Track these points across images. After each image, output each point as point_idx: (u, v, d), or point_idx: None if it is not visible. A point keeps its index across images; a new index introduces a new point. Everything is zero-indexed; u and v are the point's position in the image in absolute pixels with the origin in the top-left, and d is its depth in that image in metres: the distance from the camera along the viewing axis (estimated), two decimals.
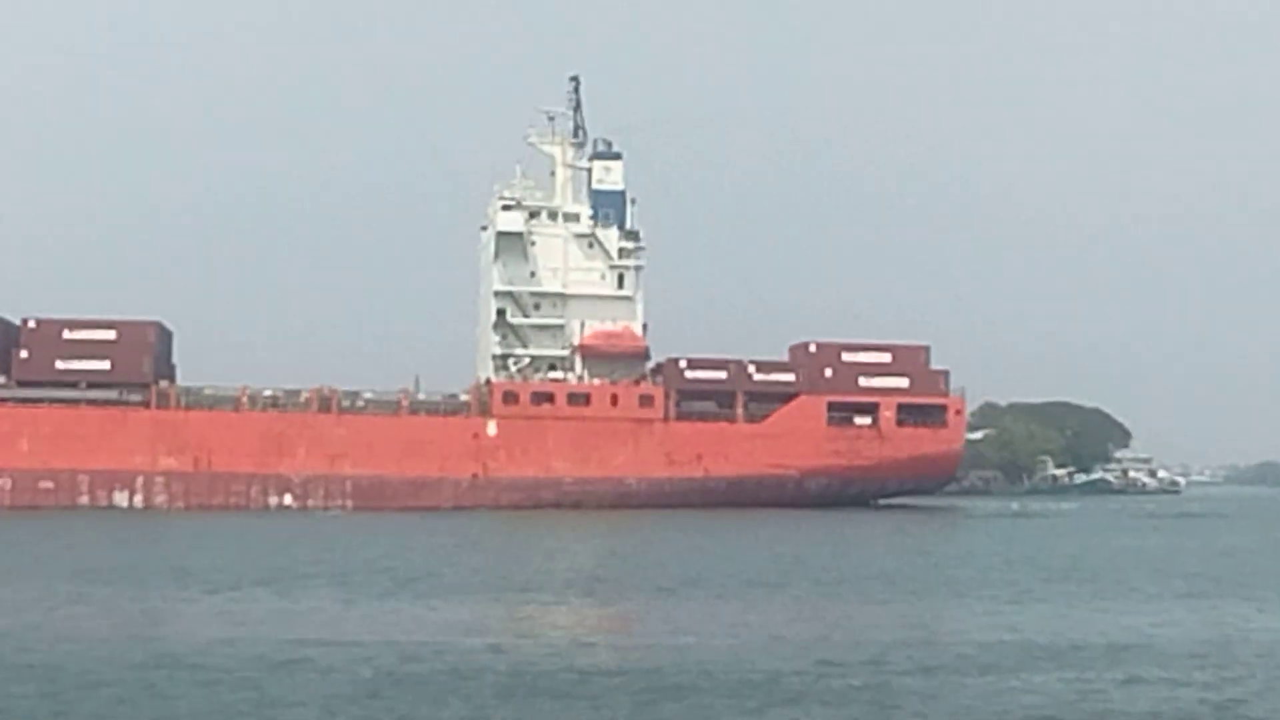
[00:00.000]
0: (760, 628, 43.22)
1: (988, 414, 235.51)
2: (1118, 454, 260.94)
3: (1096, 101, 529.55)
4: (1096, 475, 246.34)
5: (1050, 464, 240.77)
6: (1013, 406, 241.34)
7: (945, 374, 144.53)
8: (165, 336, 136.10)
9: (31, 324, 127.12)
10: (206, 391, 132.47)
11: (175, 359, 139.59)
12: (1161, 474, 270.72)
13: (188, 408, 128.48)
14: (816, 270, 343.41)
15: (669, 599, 53.24)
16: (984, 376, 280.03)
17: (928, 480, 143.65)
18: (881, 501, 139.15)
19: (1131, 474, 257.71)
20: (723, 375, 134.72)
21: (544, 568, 70.03)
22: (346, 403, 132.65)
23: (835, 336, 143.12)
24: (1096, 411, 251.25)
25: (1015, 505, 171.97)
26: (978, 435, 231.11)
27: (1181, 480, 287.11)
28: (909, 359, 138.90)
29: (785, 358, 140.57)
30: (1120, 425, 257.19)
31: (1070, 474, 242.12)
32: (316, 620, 44.54)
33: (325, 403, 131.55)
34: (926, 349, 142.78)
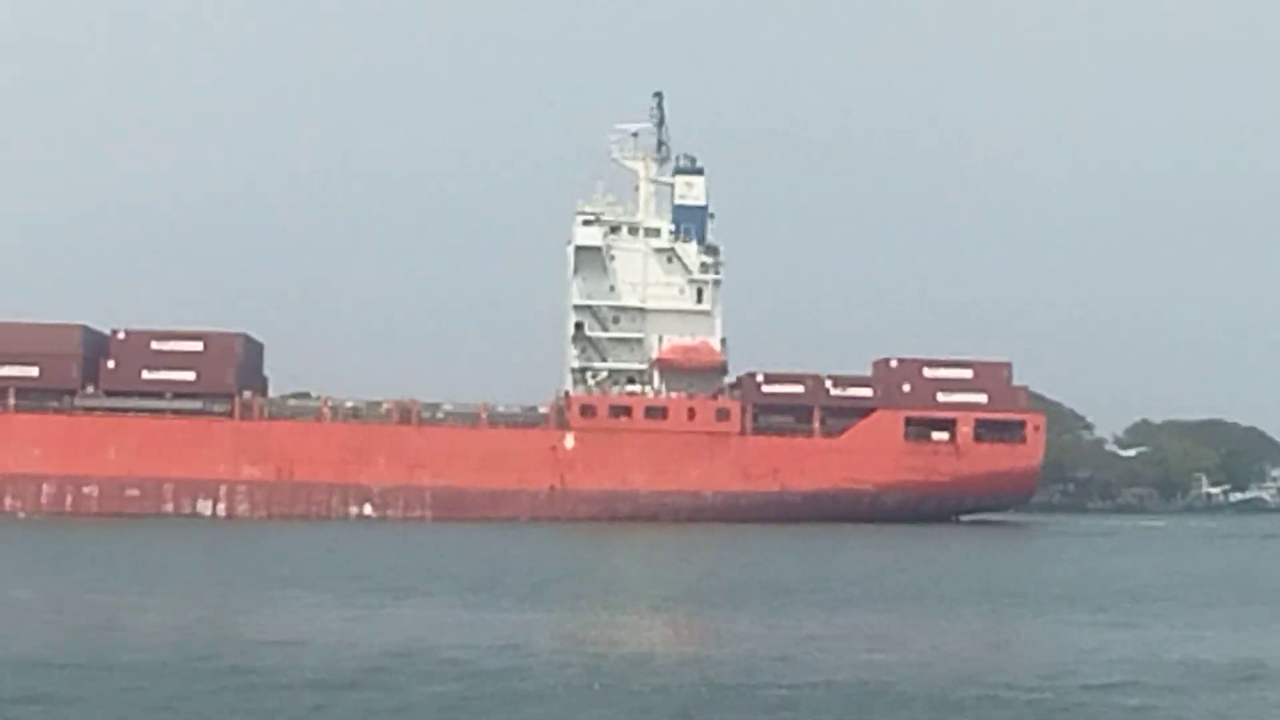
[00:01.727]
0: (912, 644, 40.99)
1: (1141, 431, 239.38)
2: (1274, 472, 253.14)
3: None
4: (1251, 494, 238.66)
5: (1205, 482, 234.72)
6: (1167, 424, 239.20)
7: (1024, 390, 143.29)
8: (254, 348, 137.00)
9: (120, 335, 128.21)
10: (289, 402, 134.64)
11: (267, 370, 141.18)
12: None
13: (271, 418, 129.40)
14: (910, 283, 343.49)
15: (786, 613, 50.94)
16: (1140, 394, 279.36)
17: (1005, 496, 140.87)
18: (964, 518, 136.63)
19: None
20: (800, 390, 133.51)
21: (638, 580, 69.07)
22: (426, 414, 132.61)
23: (940, 353, 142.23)
24: (1252, 430, 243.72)
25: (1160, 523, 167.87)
26: (1131, 453, 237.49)
27: None
28: (989, 375, 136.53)
29: (868, 373, 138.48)
30: (1276, 443, 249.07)
31: (1225, 492, 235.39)
32: (408, 628, 43.43)
33: (406, 414, 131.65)
34: (1008, 365, 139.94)
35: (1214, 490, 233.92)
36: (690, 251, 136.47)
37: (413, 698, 29.38)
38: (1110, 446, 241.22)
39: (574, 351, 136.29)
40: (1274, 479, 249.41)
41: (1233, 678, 33.64)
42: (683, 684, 32.27)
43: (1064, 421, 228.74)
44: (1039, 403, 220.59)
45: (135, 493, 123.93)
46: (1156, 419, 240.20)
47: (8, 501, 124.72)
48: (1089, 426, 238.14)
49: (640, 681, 32.44)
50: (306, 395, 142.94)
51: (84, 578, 62.92)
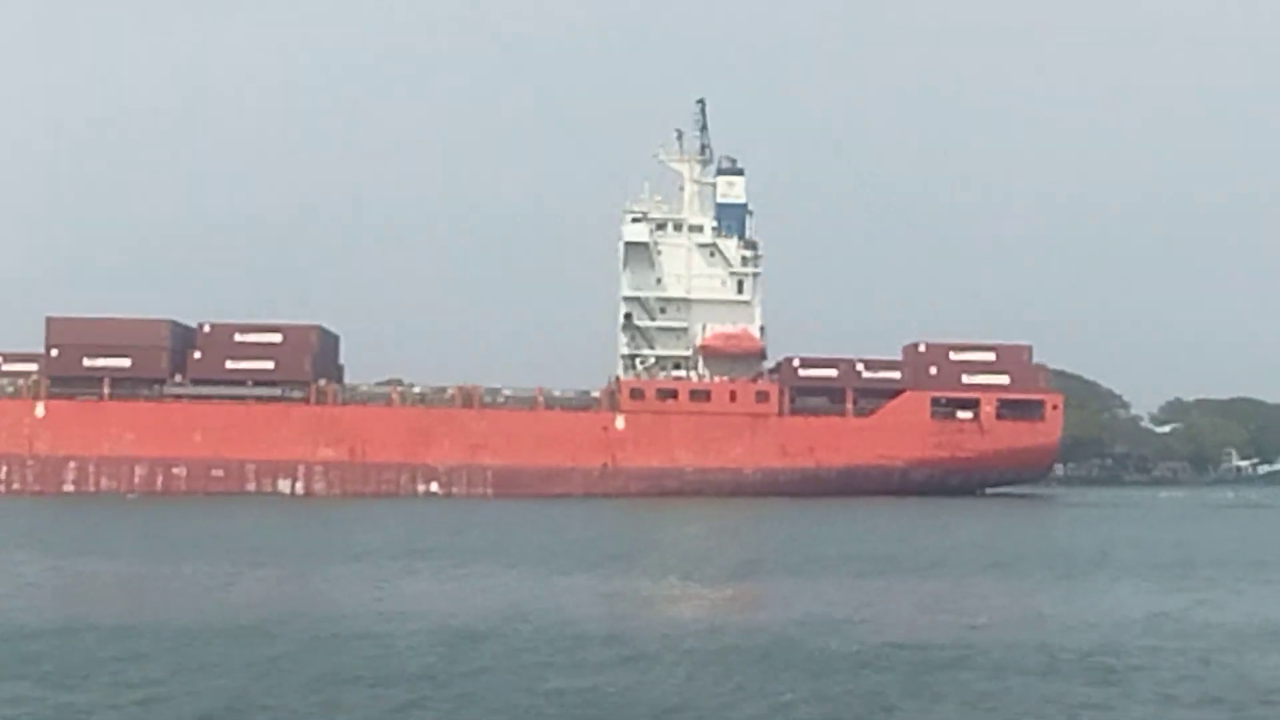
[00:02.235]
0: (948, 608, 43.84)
1: (1175, 409, 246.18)
2: None
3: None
4: (1278, 466, 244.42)
5: (1235, 456, 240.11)
6: (1199, 402, 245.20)
7: (1045, 371, 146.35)
8: (329, 339, 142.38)
9: (206, 328, 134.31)
10: (361, 389, 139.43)
11: (343, 359, 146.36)
12: None
13: (344, 403, 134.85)
14: (941, 272, 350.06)
15: (840, 582, 53.89)
16: (1173, 374, 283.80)
17: (1026, 471, 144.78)
18: (989, 491, 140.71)
19: None
20: (833, 373, 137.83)
21: (698, 553, 71.11)
22: (488, 399, 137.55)
23: (973, 338, 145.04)
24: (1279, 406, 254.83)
25: (1232, 494, 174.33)
26: (1165, 429, 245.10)
27: None
28: (1011, 357, 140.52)
29: (898, 357, 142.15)
30: None
31: (1254, 465, 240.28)
32: (490, 594, 46.62)
33: (468, 398, 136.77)
34: (1029, 348, 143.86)
35: (1243, 463, 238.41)
36: (731, 246, 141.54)
37: (521, 658, 31.21)
38: (1145, 423, 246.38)
39: (624, 339, 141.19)
40: None
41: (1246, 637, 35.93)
42: (755, 644, 34.95)
43: (1101, 400, 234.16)
44: (1077, 384, 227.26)
45: (220, 473, 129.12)
46: (1189, 397, 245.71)
47: (104, 482, 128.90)
48: (1125, 405, 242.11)
49: (718, 642, 35.29)
50: (398, 382, 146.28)
51: (184, 551, 65.82)
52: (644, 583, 53.34)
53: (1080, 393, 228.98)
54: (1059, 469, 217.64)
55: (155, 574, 55.04)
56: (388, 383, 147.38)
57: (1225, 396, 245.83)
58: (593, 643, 34.70)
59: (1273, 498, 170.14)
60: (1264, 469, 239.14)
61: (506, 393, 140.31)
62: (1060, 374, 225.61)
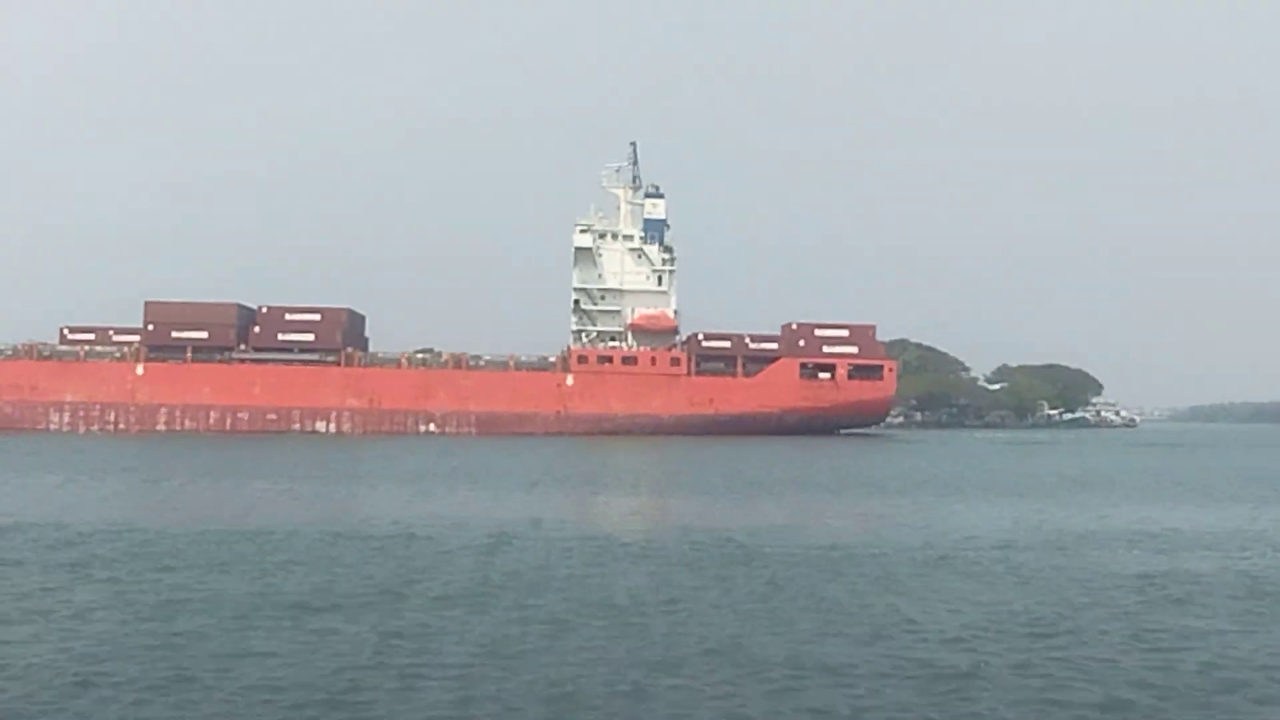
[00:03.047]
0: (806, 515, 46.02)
1: (1002, 372, 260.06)
2: (1093, 400, 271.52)
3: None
4: (1078, 414, 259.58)
5: (1046, 407, 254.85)
6: (1020, 367, 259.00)
7: (884, 344, 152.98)
8: (356, 318, 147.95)
9: (264, 310, 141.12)
10: (378, 355, 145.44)
11: (368, 333, 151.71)
12: (1123, 413, 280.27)
13: (366, 366, 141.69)
14: (807, 268, 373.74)
15: (726, 496, 56.84)
16: (1003, 346, 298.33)
17: (869, 417, 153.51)
18: (843, 431, 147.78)
19: (1103, 414, 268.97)
20: (728, 344, 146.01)
21: (635, 476, 74.57)
22: (472, 362, 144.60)
23: (837, 319, 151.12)
24: (1079, 371, 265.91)
25: (986, 435, 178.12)
26: (995, 387, 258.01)
27: (1137, 418, 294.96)
28: (860, 333, 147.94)
29: (777, 332, 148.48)
30: (1095, 380, 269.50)
31: (1060, 414, 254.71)
32: (454, 504, 48.90)
33: (458, 362, 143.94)
34: (873, 326, 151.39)
35: (1052, 413, 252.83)
36: (654, 251, 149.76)
37: (504, 555, 32.00)
38: (981, 382, 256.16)
39: (573, 319, 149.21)
40: (1093, 404, 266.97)
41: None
42: (679, 542, 36.32)
43: (949, 365, 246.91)
44: (932, 354, 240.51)
45: (273, 417, 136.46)
46: (1013, 363, 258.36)
47: (186, 424, 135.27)
48: (967, 369, 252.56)
49: (648, 542, 36.41)
50: (429, 350, 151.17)
51: (255, 473, 69.35)
52: (603, 496, 57.57)
53: (934, 361, 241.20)
54: (916, 415, 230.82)
55: (238, 490, 57.14)
56: (418, 351, 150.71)
57: (1039, 363, 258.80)
58: (582, 540, 36.38)
59: (1057, 437, 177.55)
60: (1067, 416, 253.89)
61: (486, 358, 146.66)
62: (919, 346, 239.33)
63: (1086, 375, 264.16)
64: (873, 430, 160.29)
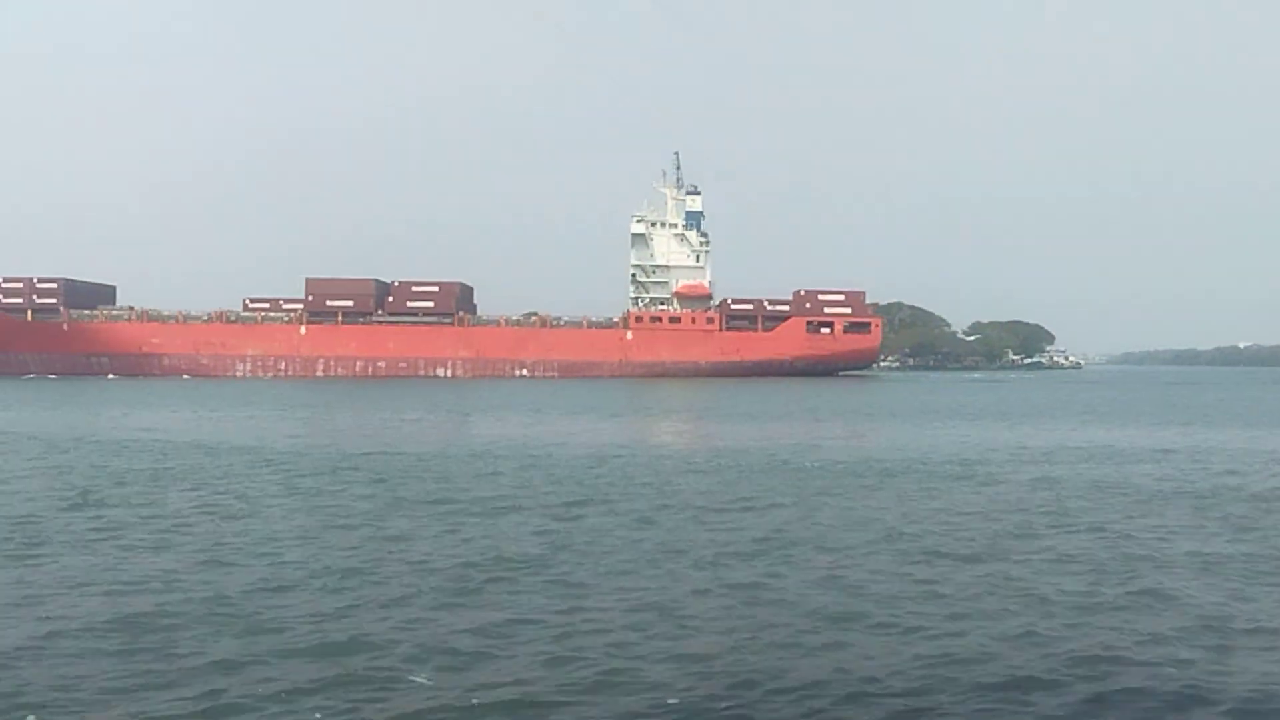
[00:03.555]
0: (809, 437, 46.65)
1: (976, 327, 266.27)
2: (1047, 348, 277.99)
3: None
4: (1035, 359, 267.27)
5: (1010, 354, 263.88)
6: (990, 323, 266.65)
7: (874, 306, 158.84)
8: (467, 290, 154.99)
9: (396, 283, 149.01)
10: (482, 317, 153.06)
11: (477, 299, 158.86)
12: (1070, 358, 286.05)
13: (473, 325, 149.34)
14: (811, 247, 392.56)
15: (751, 421, 58.20)
16: (978, 305, 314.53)
17: (860, 363, 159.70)
18: (841, 373, 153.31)
19: (1054, 359, 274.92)
20: (750, 306, 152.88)
21: (677, 405, 78.09)
22: (555, 322, 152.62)
23: (838, 286, 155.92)
24: (1036, 325, 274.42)
25: (979, 375, 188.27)
26: (970, 338, 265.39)
27: (1082, 362, 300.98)
28: (853, 297, 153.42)
29: (789, 297, 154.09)
30: (1049, 332, 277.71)
31: (1021, 359, 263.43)
32: (553, 430, 49.76)
33: (544, 321, 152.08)
34: (864, 292, 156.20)
35: (1015, 358, 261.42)
36: (693, 236, 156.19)
37: (567, 465, 33.66)
38: (960, 335, 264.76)
39: (631, 289, 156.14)
40: (1046, 351, 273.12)
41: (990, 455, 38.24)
42: (705, 453, 38.40)
43: (934, 321, 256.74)
44: (920, 312, 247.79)
45: (403, 365, 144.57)
46: (985, 319, 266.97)
47: (338, 371, 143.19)
48: (948, 324, 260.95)
49: (686, 454, 38.45)
50: (534, 313, 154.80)
51: (400, 407, 71.62)
52: (672, 423, 59.40)
53: (922, 318, 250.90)
54: (909, 361, 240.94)
55: (396, 419, 58.71)
56: (525, 315, 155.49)
57: (1005, 320, 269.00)
58: (661, 457, 37.38)
59: (1021, 377, 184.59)
60: (1026, 361, 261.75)
61: (565, 319, 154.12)
62: (912, 307, 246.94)
63: (1042, 329, 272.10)
64: (865, 373, 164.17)
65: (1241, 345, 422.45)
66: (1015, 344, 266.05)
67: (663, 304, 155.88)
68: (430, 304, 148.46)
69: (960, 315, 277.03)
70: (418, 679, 12.27)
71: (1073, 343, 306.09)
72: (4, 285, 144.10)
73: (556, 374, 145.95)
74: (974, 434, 50.42)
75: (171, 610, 15.00)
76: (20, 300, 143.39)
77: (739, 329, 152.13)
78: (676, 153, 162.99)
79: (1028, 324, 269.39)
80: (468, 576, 17.34)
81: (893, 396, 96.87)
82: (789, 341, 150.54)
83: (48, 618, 14.63)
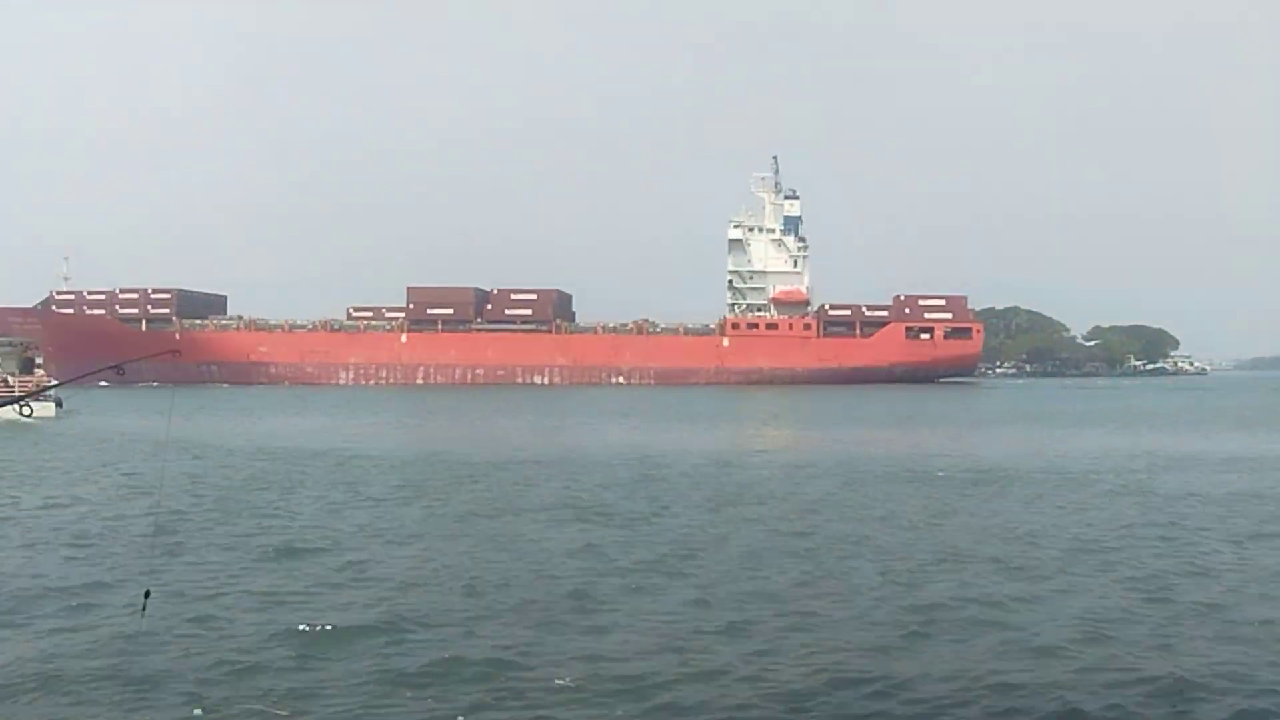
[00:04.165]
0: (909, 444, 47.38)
1: (1096, 332, 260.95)
2: (1171, 353, 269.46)
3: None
4: (1159, 365, 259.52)
5: (1132, 359, 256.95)
6: (1111, 327, 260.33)
7: (973, 311, 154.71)
8: (564, 297, 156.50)
9: (495, 291, 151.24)
10: (580, 325, 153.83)
11: (576, 308, 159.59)
12: (1195, 364, 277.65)
13: (569, 333, 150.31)
14: (919, 249, 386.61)
15: (849, 428, 59.28)
16: (1098, 308, 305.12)
17: (961, 370, 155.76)
18: (941, 380, 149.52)
19: (1179, 364, 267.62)
20: (848, 312, 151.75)
21: (777, 413, 77.94)
22: (651, 329, 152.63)
23: (944, 291, 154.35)
24: (1159, 330, 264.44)
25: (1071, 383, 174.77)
26: (1091, 343, 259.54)
27: (1207, 368, 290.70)
28: (955, 302, 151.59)
29: (888, 302, 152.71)
30: (1173, 337, 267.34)
31: (1144, 364, 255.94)
32: (670, 437, 50.10)
33: (640, 329, 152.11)
34: (965, 297, 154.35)
35: (1137, 364, 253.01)
36: (790, 241, 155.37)
37: (670, 471, 33.70)
38: (1079, 340, 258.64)
39: (729, 295, 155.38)
40: (1171, 356, 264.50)
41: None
42: (813, 461, 37.83)
43: (1052, 326, 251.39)
44: (1039, 317, 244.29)
45: (502, 373, 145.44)
46: (1105, 324, 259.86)
47: (438, 378, 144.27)
48: (1067, 329, 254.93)
49: (784, 459, 39.08)
50: (645, 320, 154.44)
51: (508, 415, 73.07)
52: (778, 429, 60.52)
53: (1040, 323, 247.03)
54: (1026, 367, 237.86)
55: (511, 426, 60.46)
56: (621, 323, 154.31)
57: (1126, 324, 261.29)
58: (780, 464, 37.53)
59: (1146, 383, 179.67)
60: (1149, 367, 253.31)
61: (661, 325, 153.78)
62: (1029, 312, 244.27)
63: (1165, 333, 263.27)
64: (967, 379, 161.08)
65: None
66: (1137, 349, 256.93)
67: (760, 310, 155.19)
68: (528, 312, 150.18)
69: (1080, 320, 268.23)
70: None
71: (1198, 347, 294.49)
72: (120, 296, 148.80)
73: (653, 381, 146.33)
74: (1105, 441, 49.57)
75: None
76: (135, 310, 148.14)
77: (837, 335, 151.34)
78: (775, 157, 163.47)
79: (1149, 328, 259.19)
80: (669, 566, 18.25)
81: (998, 404, 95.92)
82: (887, 348, 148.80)
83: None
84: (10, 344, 76.96)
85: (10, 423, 57.99)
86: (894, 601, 15.93)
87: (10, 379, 68.33)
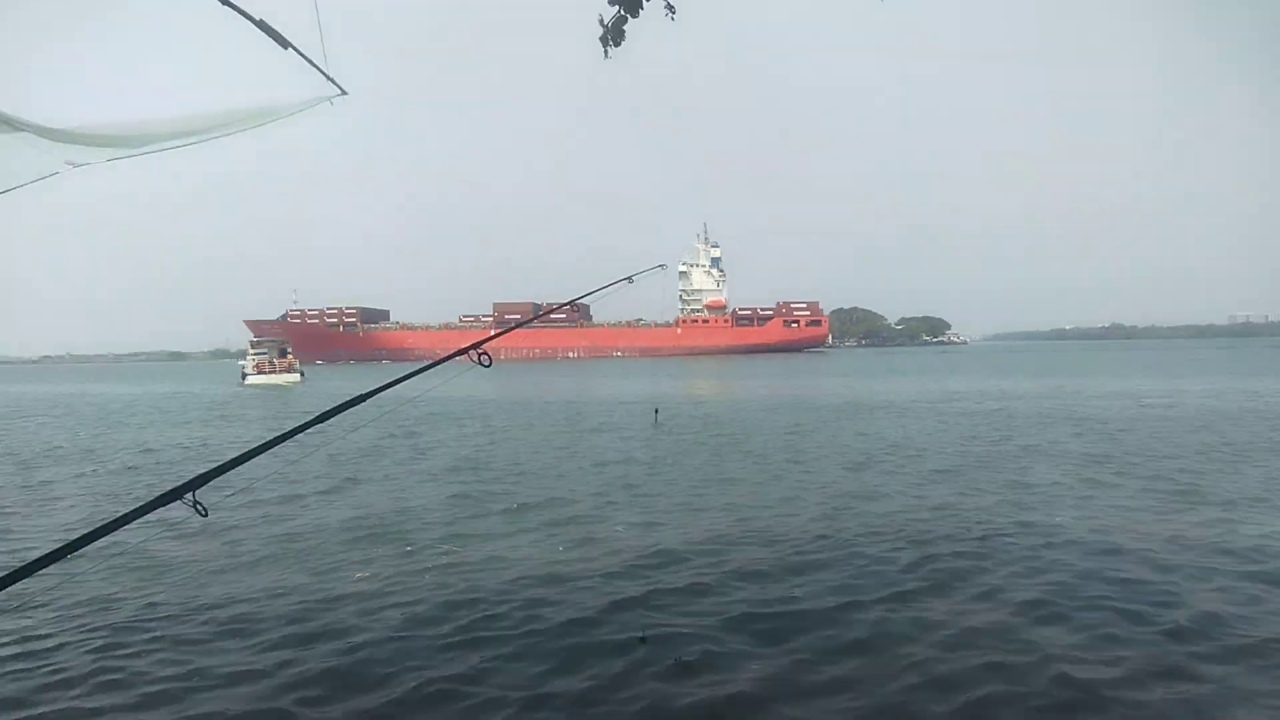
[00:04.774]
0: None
1: (902, 320, 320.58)
2: (946, 331, 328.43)
3: None
4: (940, 339, 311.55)
5: (924, 335, 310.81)
6: (911, 317, 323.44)
7: (837, 310, 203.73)
8: (584, 306, 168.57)
9: (544, 303, 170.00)
10: (595, 321, 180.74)
11: (592, 313, 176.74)
12: (960, 337, 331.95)
13: (588, 327, 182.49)
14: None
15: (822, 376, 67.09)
16: (906, 305, 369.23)
17: (816, 344, 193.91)
18: (806, 351, 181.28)
19: (951, 338, 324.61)
20: (750, 312, 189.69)
21: (712, 372, 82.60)
22: (637, 324, 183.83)
23: (808, 297, 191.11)
24: (940, 318, 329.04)
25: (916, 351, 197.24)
26: (899, 326, 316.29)
27: (968, 341, 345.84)
28: (811, 305, 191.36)
29: (773, 305, 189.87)
30: (946, 321, 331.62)
31: (931, 339, 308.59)
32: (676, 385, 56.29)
33: (631, 324, 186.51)
34: (818, 302, 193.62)
35: (927, 338, 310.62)
36: (715, 271, 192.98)
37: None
38: (893, 325, 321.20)
39: (680, 303, 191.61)
40: (946, 334, 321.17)
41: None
42: (747, 397, 42.97)
43: (875, 317, 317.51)
44: (866, 313, 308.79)
45: (546, 352, 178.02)
46: (908, 315, 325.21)
47: (511, 355, 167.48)
48: (885, 318, 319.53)
49: (725, 397, 43.51)
50: (629, 320, 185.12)
51: (561, 376, 78.45)
52: (703, 380, 63.74)
53: (868, 317, 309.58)
54: (862, 341, 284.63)
55: (567, 381, 66.32)
56: (620, 321, 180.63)
57: (920, 315, 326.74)
58: (698, 398, 42.92)
59: (924, 351, 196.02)
60: (934, 340, 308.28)
61: (643, 321, 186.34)
62: (864, 310, 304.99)
63: (942, 320, 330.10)
64: (818, 350, 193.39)
65: (1067, 326, 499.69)
66: (927, 329, 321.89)
67: (698, 311, 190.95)
68: (564, 315, 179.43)
69: (894, 311, 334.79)
70: None
71: (963, 326, 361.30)
72: (327, 311, 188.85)
73: (637, 355, 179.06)
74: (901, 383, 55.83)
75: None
76: (336, 320, 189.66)
77: (744, 325, 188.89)
78: (705, 223, 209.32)
79: (934, 317, 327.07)
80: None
81: (842, 364, 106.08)
82: (773, 332, 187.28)
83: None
84: (273, 341, 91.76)
85: (276, 385, 73.25)
86: (794, 476, 18.79)
87: (275, 361, 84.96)
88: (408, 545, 13.57)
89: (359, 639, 9.49)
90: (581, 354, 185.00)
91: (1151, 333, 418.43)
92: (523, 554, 12.70)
